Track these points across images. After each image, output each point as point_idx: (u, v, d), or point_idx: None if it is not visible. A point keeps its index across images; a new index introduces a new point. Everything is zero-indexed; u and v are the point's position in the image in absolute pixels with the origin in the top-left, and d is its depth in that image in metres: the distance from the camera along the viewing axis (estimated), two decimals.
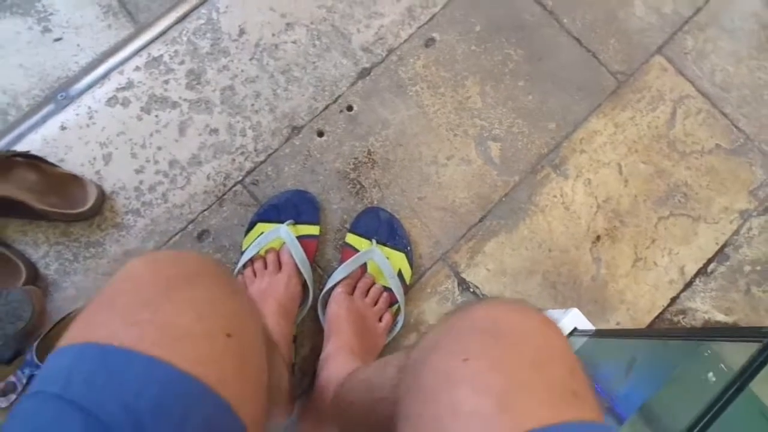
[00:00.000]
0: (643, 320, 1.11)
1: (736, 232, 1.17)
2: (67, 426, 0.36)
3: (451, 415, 0.40)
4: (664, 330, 0.92)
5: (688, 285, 1.14)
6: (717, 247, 1.16)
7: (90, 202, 1.03)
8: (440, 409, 0.41)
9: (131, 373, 0.38)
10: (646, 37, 1.24)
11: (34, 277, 1.02)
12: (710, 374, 0.56)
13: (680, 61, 1.23)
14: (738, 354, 0.57)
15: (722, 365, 0.59)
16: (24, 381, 0.96)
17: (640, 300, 1.11)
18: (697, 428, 0.48)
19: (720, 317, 1.13)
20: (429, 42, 1.19)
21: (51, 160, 1.04)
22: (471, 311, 0.48)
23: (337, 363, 0.85)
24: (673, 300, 1.13)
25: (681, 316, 1.12)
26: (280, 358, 0.74)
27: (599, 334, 0.84)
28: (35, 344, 0.96)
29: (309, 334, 1.04)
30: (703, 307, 1.13)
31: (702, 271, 1.15)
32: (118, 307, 0.42)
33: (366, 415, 0.63)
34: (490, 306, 0.48)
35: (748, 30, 1.26)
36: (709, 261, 1.15)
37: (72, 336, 0.41)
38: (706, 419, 0.48)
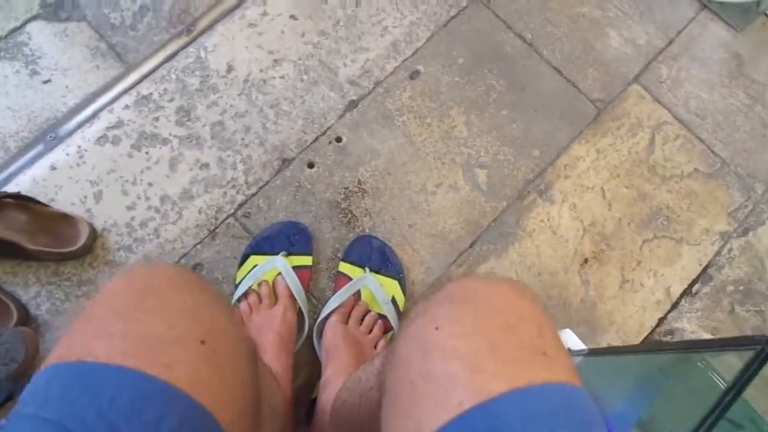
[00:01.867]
0: (633, 341, 1.13)
1: (718, 253, 1.20)
2: None
3: (424, 380, 0.42)
4: (656, 344, 0.94)
5: (675, 305, 1.16)
6: (700, 268, 1.19)
7: (81, 241, 1.03)
8: (413, 375, 0.43)
9: (103, 384, 0.39)
10: (622, 67, 1.29)
11: (26, 318, 1.01)
12: (715, 378, 0.57)
13: (656, 90, 1.28)
14: (728, 364, 0.59)
15: (714, 376, 0.61)
16: None
17: (629, 321, 1.13)
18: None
19: (706, 337, 1.15)
20: (414, 74, 1.22)
21: (41, 199, 1.04)
22: (445, 285, 0.50)
23: (336, 387, 0.85)
24: (661, 321, 1.15)
25: (669, 337, 1.15)
26: (272, 377, 0.74)
27: (592, 353, 0.86)
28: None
29: (304, 365, 1.04)
30: (690, 327, 1.16)
31: (687, 292, 1.17)
32: (93, 321, 0.44)
33: (356, 409, 0.64)
34: (461, 279, 0.50)
35: (718, 59, 1.32)
36: (694, 282, 1.18)
37: (53, 356, 0.42)
38: (705, 426, 0.49)
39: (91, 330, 0.43)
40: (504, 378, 0.40)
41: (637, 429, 0.66)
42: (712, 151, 1.25)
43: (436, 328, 0.44)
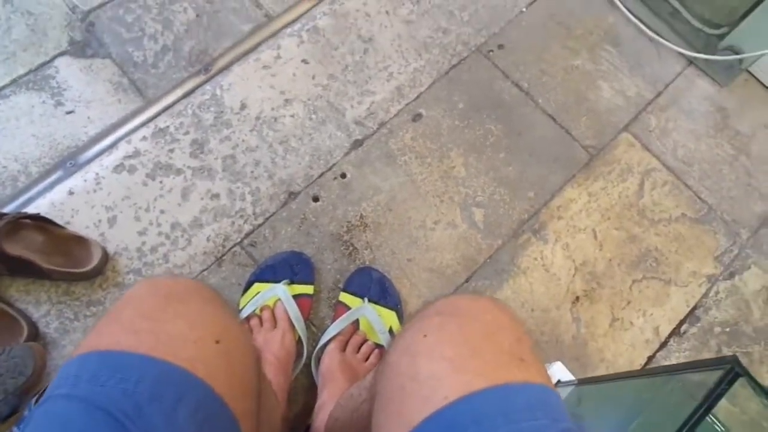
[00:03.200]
0: None
1: (705, 295, 1.24)
2: (72, 416, 0.42)
3: (412, 380, 0.47)
4: (638, 370, 0.98)
5: (663, 345, 1.20)
6: (688, 309, 1.23)
7: (93, 263, 1.07)
8: (403, 378, 0.48)
9: (130, 367, 0.44)
10: (613, 116, 1.36)
11: (35, 335, 1.05)
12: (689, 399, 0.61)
13: (646, 138, 1.35)
14: (706, 386, 0.63)
15: (689, 396, 0.65)
16: None
17: (619, 358, 1.17)
18: None
19: (695, 378, 1.18)
20: (416, 117, 1.29)
21: (58, 222, 1.09)
22: (432, 302, 0.55)
23: (330, 409, 0.88)
24: (650, 359, 1.18)
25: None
26: (271, 391, 0.78)
27: (581, 382, 0.89)
28: (33, 401, 0.97)
29: (301, 391, 1.06)
30: None
31: (675, 332, 1.21)
32: (121, 320, 0.49)
33: (349, 424, 0.69)
34: (449, 296, 0.55)
35: (704, 111, 1.39)
36: (682, 322, 1.22)
37: (81, 347, 0.47)
38: None
39: (119, 327, 0.48)
40: (486, 377, 0.45)
41: None
42: (699, 198, 1.31)
43: (424, 336, 0.50)
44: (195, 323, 0.50)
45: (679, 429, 0.56)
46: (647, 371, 0.72)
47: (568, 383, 0.97)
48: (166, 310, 0.50)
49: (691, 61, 1.43)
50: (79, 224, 1.13)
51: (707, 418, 0.58)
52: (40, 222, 1.07)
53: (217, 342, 0.49)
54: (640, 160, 1.33)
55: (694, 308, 1.23)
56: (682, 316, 1.22)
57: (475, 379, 0.44)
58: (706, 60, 1.40)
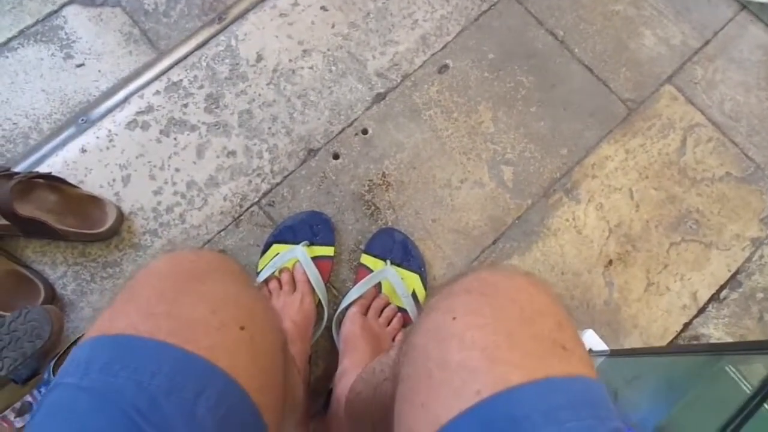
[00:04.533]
0: (657, 345, 1.11)
1: (748, 260, 1.17)
2: (81, 411, 0.38)
3: (440, 369, 0.41)
4: (679, 346, 0.91)
5: (701, 311, 1.14)
6: (729, 274, 1.16)
7: (108, 223, 1.04)
8: (430, 364, 0.42)
9: (146, 357, 0.40)
10: (656, 67, 1.26)
11: (52, 297, 1.03)
12: (742, 385, 0.56)
13: (690, 91, 1.26)
14: (759, 373, 0.57)
15: (742, 382, 0.59)
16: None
17: (653, 325, 1.11)
18: None
19: None
20: (442, 68, 1.21)
21: (71, 181, 1.06)
22: (461, 277, 0.49)
23: (352, 378, 0.85)
24: (686, 326, 1.13)
25: (694, 342, 1.12)
26: (295, 369, 0.75)
27: (614, 353, 0.84)
28: (52, 363, 0.96)
29: (323, 354, 1.04)
30: (716, 334, 1.13)
31: (715, 298, 1.15)
32: (137, 300, 0.44)
33: (371, 400, 0.64)
34: (479, 271, 0.49)
35: (756, 61, 1.29)
36: (722, 287, 1.15)
37: (94, 329, 0.42)
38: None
39: (134, 308, 0.43)
40: (523, 369, 0.39)
41: None
42: (746, 155, 1.22)
43: (453, 318, 0.44)
44: (218, 307, 0.45)
45: (732, 418, 0.51)
46: (691, 349, 0.66)
47: (600, 353, 0.92)
48: (187, 291, 0.45)
49: (744, 6, 1.31)
50: (93, 183, 1.10)
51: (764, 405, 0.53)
52: (53, 181, 1.04)
53: (242, 328, 0.45)
54: (683, 115, 1.24)
55: (736, 273, 1.16)
56: (722, 281, 1.16)
57: (511, 371, 0.39)
58: (761, 4, 1.28)
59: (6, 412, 0.99)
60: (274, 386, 0.48)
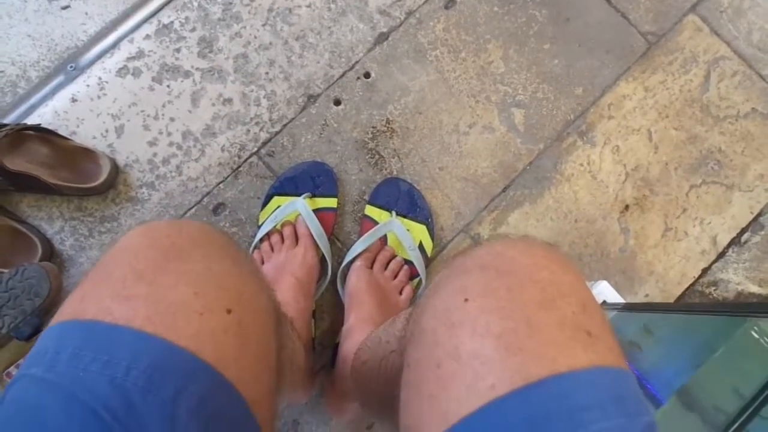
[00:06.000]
0: (673, 292, 1.07)
1: None
2: (48, 410, 0.34)
3: (452, 359, 0.37)
4: (697, 305, 0.87)
5: (721, 255, 1.10)
6: (751, 216, 1.11)
7: (103, 176, 1.01)
8: (439, 353, 0.38)
9: (121, 349, 0.35)
10: None
11: (50, 253, 1.01)
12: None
13: (715, 20, 1.17)
14: None
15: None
16: None
17: (670, 271, 1.08)
18: (751, 410, 0.45)
19: (754, 289, 1.09)
20: (449, 3, 1.13)
21: (62, 133, 1.02)
22: (474, 249, 0.44)
23: (359, 336, 0.83)
24: (705, 271, 1.09)
25: (713, 288, 1.09)
26: (294, 333, 0.71)
27: (628, 307, 0.81)
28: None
29: (328, 308, 1.02)
30: (736, 279, 1.09)
31: (735, 241, 1.10)
32: (111, 280, 0.40)
33: (376, 372, 0.61)
34: (493, 243, 0.44)
35: None
36: (743, 231, 1.11)
37: (63, 313, 0.38)
38: (760, 400, 0.45)
39: (108, 290, 0.39)
40: (543, 360, 0.35)
41: (677, 398, 0.61)
42: None
43: (465, 300, 0.39)
44: (202, 288, 0.40)
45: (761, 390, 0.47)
46: (710, 308, 0.62)
47: (614, 306, 0.89)
48: (167, 270, 0.40)
49: None
50: (86, 135, 1.05)
51: None
52: (44, 133, 1.00)
53: (229, 311, 0.40)
54: (707, 48, 1.15)
55: (759, 215, 1.11)
56: (744, 224, 1.11)
57: (529, 363, 0.35)
58: None
59: (10, 369, 0.99)
60: (266, 372, 0.44)
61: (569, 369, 0.34)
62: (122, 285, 0.39)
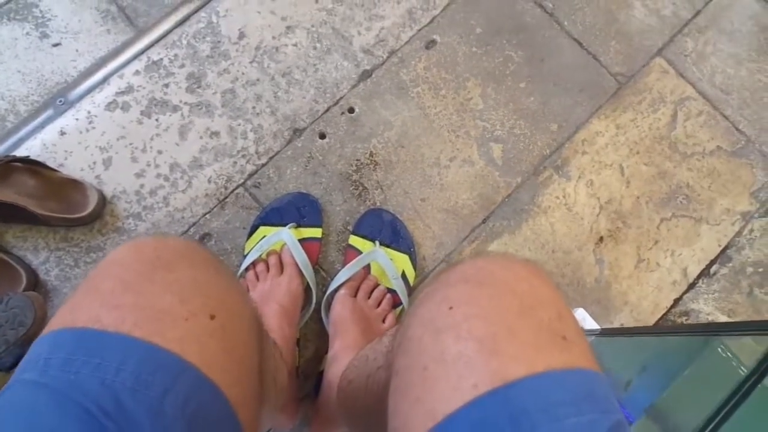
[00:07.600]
0: (647, 321, 1.10)
1: (738, 234, 1.17)
2: (43, 410, 0.36)
3: (437, 362, 0.40)
4: (671, 326, 0.91)
5: (691, 286, 1.14)
6: (719, 249, 1.16)
7: (90, 207, 1.02)
8: (426, 358, 0.41)
9: (110, 352, 0.38)
10: (646, 39, 1.24)
11: (35, 283, 1.01)
12: (734, 364, 0.55)
13: (681, 63, 1.24)
14: (750, 349, 0.56)
15: (734, 361, 0.59)
16: None
17: (644, 301, 1.11)
18: (714, 423, 0.47)
19: (723, 319, 1.13)
20: (430, 44, 1.19)
21: (51, 165, 1.03)
22: (457, 265, 0.47)
23: (343, 363, 0.84)
24: (677, 301, 1.13)
25: (684, 318, 1.12)
26: (277, 351, 0.73)
27: (605, 333, 0.84)
28: None
29: (312, 337, 1.03)
30: (706, 309, 1.13)
31: (705, 273, 1.15)
32: (100, 291, 0.42)
33: (363, 391, 0.62)
34: (476, 258, 0.47)
35: (746, 32, 1.27)
36: (712, 262, 1.15)
37: (55, 322, 0.40)
38: (722, 414, 0.47)
39: (97, 300, 0.41)
40: (522, 362, 0.38)
41: (646, 416, 0.64)
42: (737, 129, 1.21)
43: (450, 308, 0.42)
44: (186, 296, 0.43)
45: (726, 400, 0.50)
46: (683, 329, 0.65)
47: (590, 332, 0.91)
48: (153, 280, 0.43)
49: None
50: (73, 167, 1.07)
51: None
52: (32, 165, 1.01)
53: (212, 317, 0.43)
54: (673, 88, 1.22)
55: (726, 248, 1.16)
56: (712, 256, 1.15)
57: (509, 364, 0.37)
58: None
59: None
60: (249, 376, 0.46)
61: (546, 369, 0.37)
62: (111, 295, 0.41)
